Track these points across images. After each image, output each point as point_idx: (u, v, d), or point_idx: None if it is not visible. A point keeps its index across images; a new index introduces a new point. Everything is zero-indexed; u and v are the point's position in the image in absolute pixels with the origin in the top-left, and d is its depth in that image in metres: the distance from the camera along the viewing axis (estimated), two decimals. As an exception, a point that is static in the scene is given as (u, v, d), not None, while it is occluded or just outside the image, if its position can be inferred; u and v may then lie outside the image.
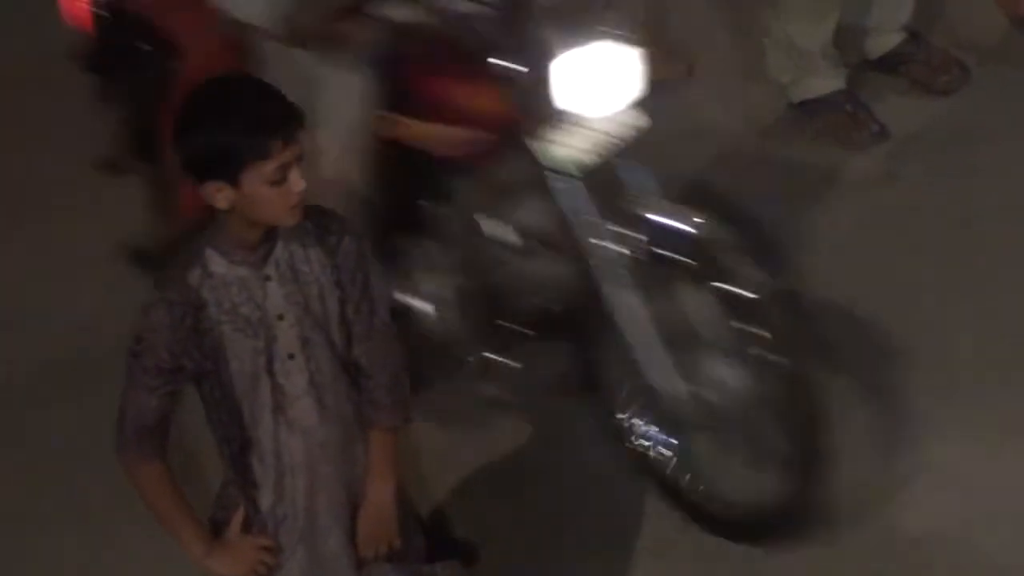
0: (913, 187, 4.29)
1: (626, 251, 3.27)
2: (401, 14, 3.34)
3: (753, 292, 3.16)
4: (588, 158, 3.25)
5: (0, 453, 4.27)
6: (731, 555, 3.51)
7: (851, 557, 3.38)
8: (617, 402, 3.56)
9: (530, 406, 3.79)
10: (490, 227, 3.50)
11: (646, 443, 3.58)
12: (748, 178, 4.20)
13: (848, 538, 3.40)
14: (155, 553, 3.14)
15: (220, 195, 2.65)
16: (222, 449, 2.86)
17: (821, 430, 3.21)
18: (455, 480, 3.80)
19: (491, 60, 3.22)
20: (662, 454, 3.55)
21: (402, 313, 3.55)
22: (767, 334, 3.18)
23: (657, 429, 3.55)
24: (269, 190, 2.64)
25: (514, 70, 3.21)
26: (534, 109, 3.21)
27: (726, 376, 3.29)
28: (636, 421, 3.57)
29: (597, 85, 3.19)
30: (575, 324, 3.48)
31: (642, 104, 3.25)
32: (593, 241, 3.28)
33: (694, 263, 3.19)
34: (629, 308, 3.30)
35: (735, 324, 3.23)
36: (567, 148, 3.25)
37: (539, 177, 3.30)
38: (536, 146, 3.26)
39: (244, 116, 2.62)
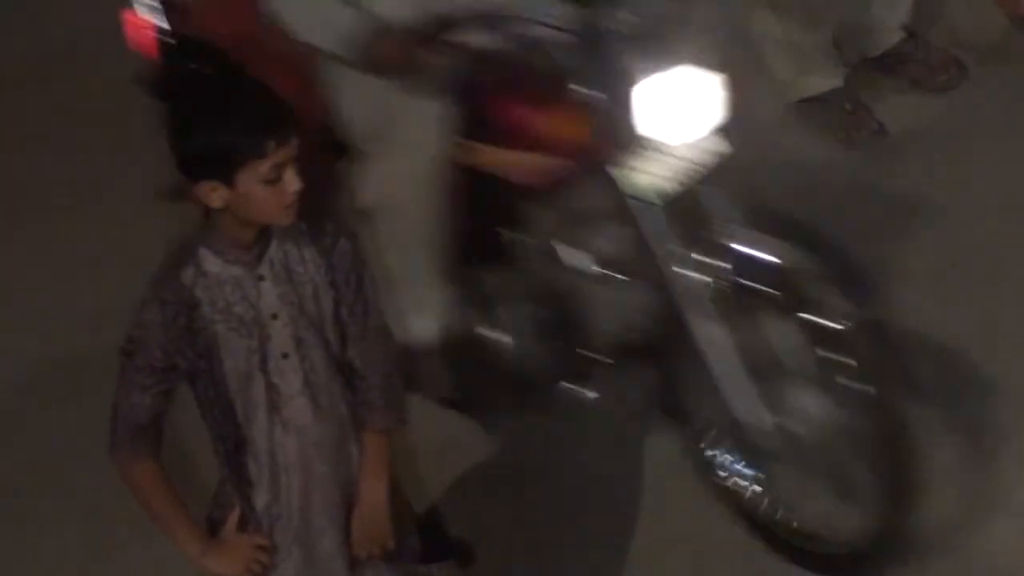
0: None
1: (709, 280, 3.21)
2: (479, 40, 3.28)
3: (839, 322, 3.08)
4: (670, 185, 3.19)
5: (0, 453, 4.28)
6: (731, 556, 3.52)
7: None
8: (700, 433, 3.50)
9: (609, 435, 3.73)
10: (568, 255, 3.43)
11: (732, 477, 3.50)
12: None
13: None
14: (154, 552, 3.14)
15: (215, 195, 2.65)
16: (217, 447, 2.86)
17: (908, 461, 3.14)
18: (452, 479, 3.79)
19: (570, 86, 3.17)
20: (749, 488, 3.48)
21: (480, 342, 3.51)
22: (853, 363, 3.10)
23: (743, 462, 3.48)
24: (264, 190, 2.64)
25: (593, 96, 3.15)
26: (614, 136, 3.15)
27: (812, 406, 3.21)
28: (721, 453, 3.50)
29: (679, 111, 3.13)
30: (656, 353, 3.42)
31: (723, 130, 3.18)
32: (676, 270, 3.22)
33: (779, 293, 3.13)
34: (713, 337, 3.23)
35: (821, 354, 3.15)
36: (648, 175, 3.18)
37: (620, 205, 3.23)
38: (617, 173, 3.20)
39: (239, 116, 2.62)
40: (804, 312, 3.12)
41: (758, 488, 3.46)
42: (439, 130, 3.36)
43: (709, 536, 3.55)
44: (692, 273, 3.21)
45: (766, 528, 3.46)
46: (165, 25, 3.87)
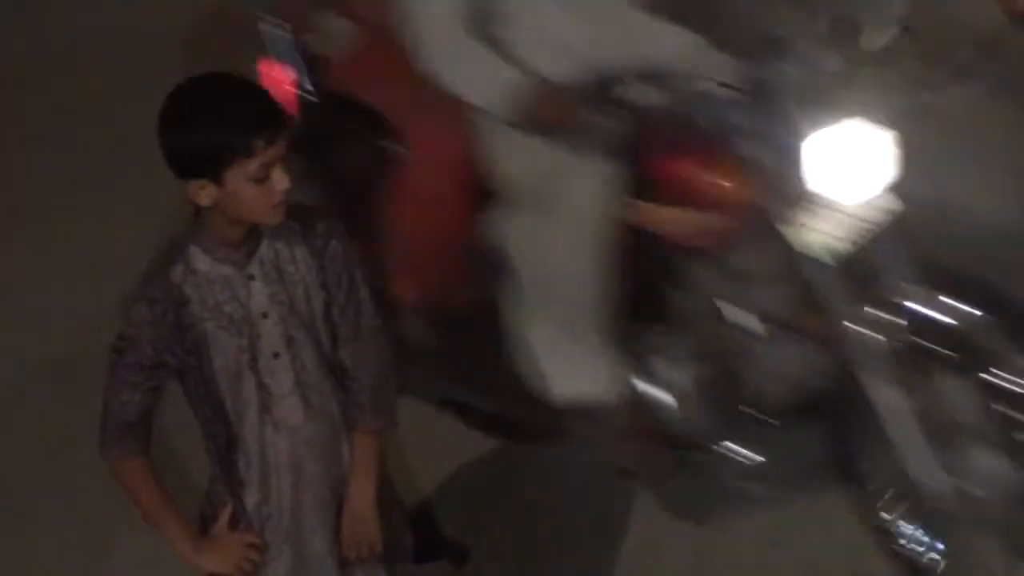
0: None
1: (884, 339, 3.14)
2: (642, 97, 3.20)
3: (1017, 380, 3.04)
4: (841, 243, 3.12)
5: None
6: (724, 555, 3.52)
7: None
8: (874, 496, 3.41)
9: (778, 498, 3.63)
10: (733, 313, 3.35)
11: (911, 545, 3.40)
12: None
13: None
14: (151, 551, 3.14)
15: (203, 193, 2.66)
16: (208, 446, 2.87)
17: None
18: (446, 478, 3.80)
19: (737, 142, 3.13)
20: (926, 554, 3.38)
21: (642, 401, 3.44)
22: None
23: (922, 529, 3.38)
24: (252, 188, 2.65)
25: (761, 153, 3.10)
26: (783, 193, 3.10)
27: (990, 467, 3.14)
28: (898, 520, 3.41)
29: (849, 168, 3.06)
30: (826, 413, 3.35)
31: (895, 187, 3.12)
32: (849, 328, 3.15)
33: (955, 352, 3.08)
34: (888, 397, 3.14)
35: (1000, 414, 3.09)
36: (820, 233, 3.12)
37: (789, 262, 3.16)
38: (786, 231, 3.13)
39: (228, 114, 2.62)
40: (981, 371, 3.07)
41: (935, 556, 3.37)
42: (602, 189, 3.28)
43: (706, 537, 3.56)
44: (866, 332, 3.14)
45: None
46: (307, 81, 3.73)
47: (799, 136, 3.05)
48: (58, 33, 6.06)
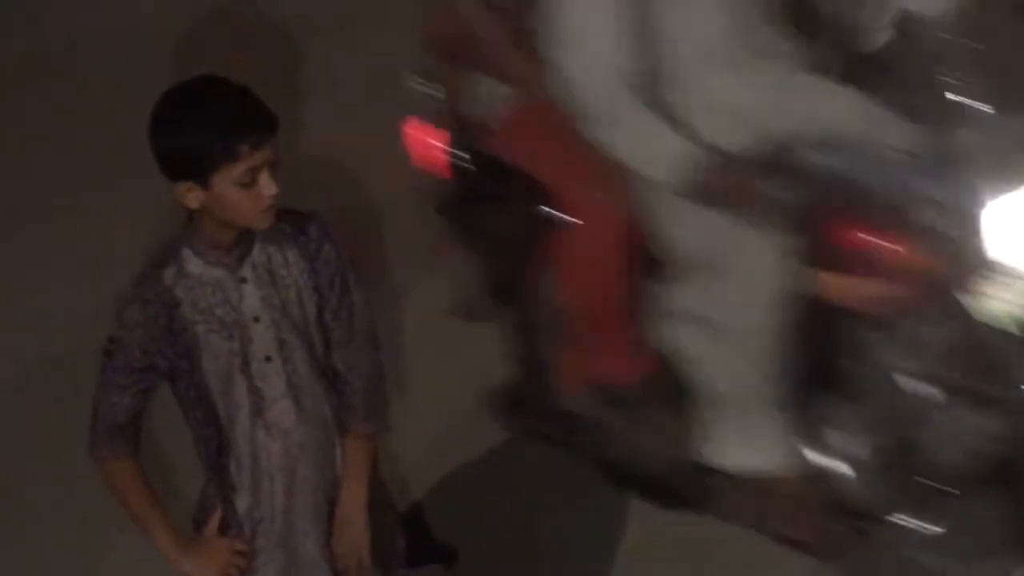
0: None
1: None
2: (818, 165, 3.12)
3: None
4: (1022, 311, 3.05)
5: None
6: (717, 555, 3.52)
7: None
8: None
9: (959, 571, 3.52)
10: (910, 382, 3.26)
11: None
12: None
13: None
14: (149, 551, 3.14)
15: (191, 195, 2.66)
16: (199, 450, 2.87)
17: None
18: (439, 481, 3.80)
19: (914, 209, 3.05)
20: None
21: (816, 472, 3.38)
22: None
23: None
24: (239, 192, 2.64)
25: (940, 219, 3.03)
26: (963, 260, 3.03)
27: None
28: None
29: None
30: (1009, 482, 3.24)
31: None
32: None
33: None
34: None
35: None
36: (1001, 301, 3.03)
37: (969, 332, 3.09)
38: (967, 300, 3.06)
39: (213, 118, 2.63)
40: None
41: None
42: (776, 259, 3.20)
43: (699, 538, 3.56)
44: None
45: None
46: (459, 144, 3.61)
47: (979, 202, 2.98)
48: (58, 33, 6.05)
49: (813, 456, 3.39)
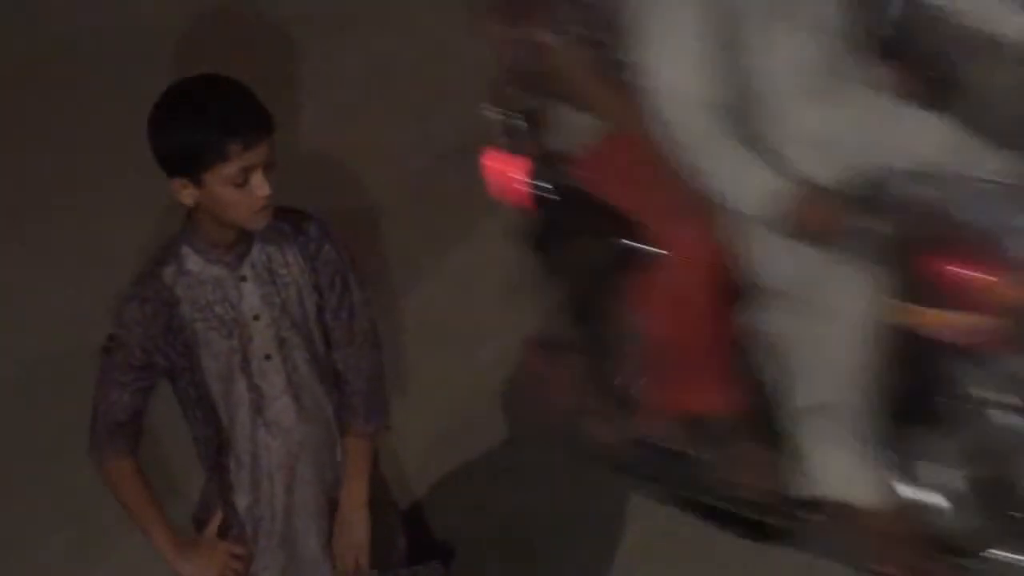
0: None
1: None
2: (910, 197, 3.07)
3: None
4: None
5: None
6: (716, 554, 3.53)
7: None
8: None
9: None
10: (1004, 415, 3.19)
11: None
12: None
13: None
14: (150, 551, 3.14)
15: (185, 192, 2.67)
16: (199, 449, 2.87)
17: None
18: (437, 480, 3.81)
19: (1007, 239, 2.99)
20: None
21: (910, 505, 3.32)
22: None
23: None
24: (231, 191, 2.65)
25: None
26: None
27: None
28: None
29: None
30: None
31: None
32: None
33: None
34: None
35: None
36: None
37: None
38: None
39: (206, 116, 2.63)
40: None
41: None
42: (869, 292, 3.14)
43: (704, 537, 3.56)
44: None
45: None
46: (541, 175, 3.52)
47: None
48: (58, 33, 6.05)
49: (907, 489, 3.32)
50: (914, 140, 3.16)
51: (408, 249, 4.48)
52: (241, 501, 2.85)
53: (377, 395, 2.92)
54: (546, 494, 3.76)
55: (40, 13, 6.17)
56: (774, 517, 3.44)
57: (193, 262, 2.74)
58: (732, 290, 3.29)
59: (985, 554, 3.26)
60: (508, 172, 3.54)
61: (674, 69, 3.07)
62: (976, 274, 3.05)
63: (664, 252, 3.29)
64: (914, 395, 3.27)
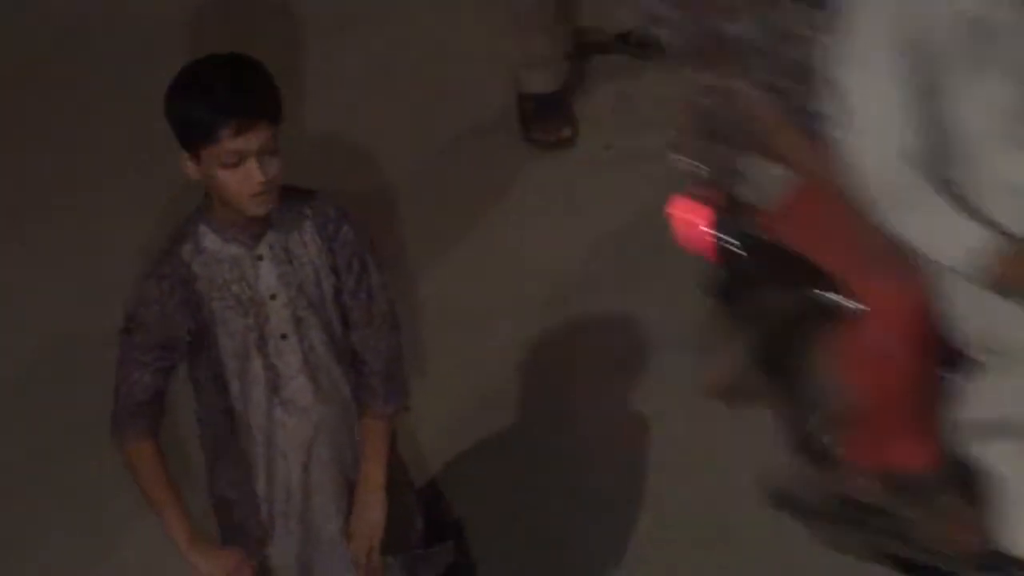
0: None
1: None
2: None
3: None
4: None
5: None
6: (730, 541, 3.54)
7: None
8: None
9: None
10: None
11: None
12: None
13: None
14: (145, 556, 3.15)
15: (190, 166, 2.70)
16: (204, 431, 2.88)
17: None
18: (455, 462, 3.80)
19: None
20: None
21: None
22: None
23: None
24: (226, 173, 2.66)
25: None
26: None
27: None
28: None
29: None
30: None
31: None
32: None
33: None
34: None
35: None
36: None
37: None
38: None
39: (202, 96, 2.66)
40: None
41: None
42: None
43: (708, 531, 3.56)
44: None
45: None
46: (727, 225, 3.43)
47: None
48: (58, 33, 6.04)
49: None
50: None
51: (424, 231, 4.48)
52: (256, 481, 2.86)
53: (396, 376, 2.92)
54: (560, 476, 3.76)
55: (40, 12, 6.16)
56: (981, 573, 3.34)
57: (211, 240, 2.75)
58: (932, 344, 3.20)
59: None
60: (694, 221, 3.46)
61: (871, 118, 2.99)
62: None
63: (861, 306, 3.20)
64: None
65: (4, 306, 4.79)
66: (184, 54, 5.37)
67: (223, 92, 2.65)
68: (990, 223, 2.98)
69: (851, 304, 3.22)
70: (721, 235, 3.42)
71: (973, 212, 2.99)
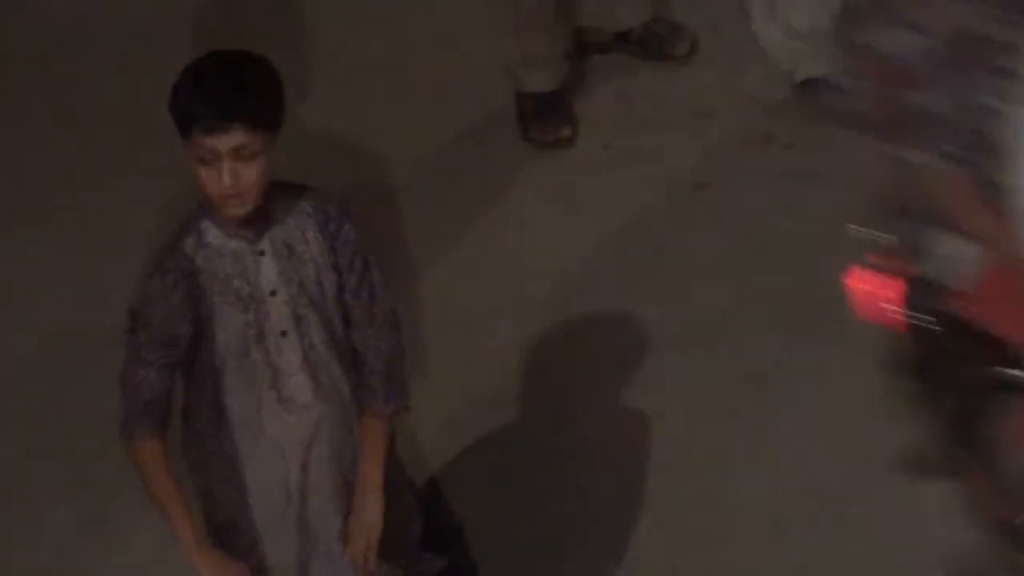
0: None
1: None
2: None
3: None
4: None
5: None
6: (729, 541, 3.54)
7: None
8: None
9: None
10: None
11: None
12: None
13: None
14: (141, 560, 3.15)
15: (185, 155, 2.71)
16: (191, 426, 2.87)
17: None
18: (455, 462, 3.79)
19: None
20: None
21: None
22: None
23: None
24: (200, 170, 2.67)
25: None
26: None
27: None
28: None
29: None
30: None
31: None
32: None
33: None
34: None
35: None
36: None
37: None
38: None
39: (187, 89, 2.68)
40: None
41: None
42: None
43: (708, 529, 3.56)
44: None
45: None
46: (915, 301, 3.30)
47: None
48: (58, 32, 6.04)
49: None
50: None
51: (424, 231, 4.48)
52: (244, 479, 2.85)
53: (396, 376, 2.92)
54: (560, 476, 3.76)
55: (40, 12, 6.16)
56: None
57: (213, 235, 2.76)
58: None
59: None
60: (878, 295, 3.35)
61: None
62: None
63: None
64: None
65: (4, 306, 4.79)
66: (184, 54, 5.39)
67: (204, 89, 2.67)
68: None
69: None
70: (915, 312, 3.31)
71: None
